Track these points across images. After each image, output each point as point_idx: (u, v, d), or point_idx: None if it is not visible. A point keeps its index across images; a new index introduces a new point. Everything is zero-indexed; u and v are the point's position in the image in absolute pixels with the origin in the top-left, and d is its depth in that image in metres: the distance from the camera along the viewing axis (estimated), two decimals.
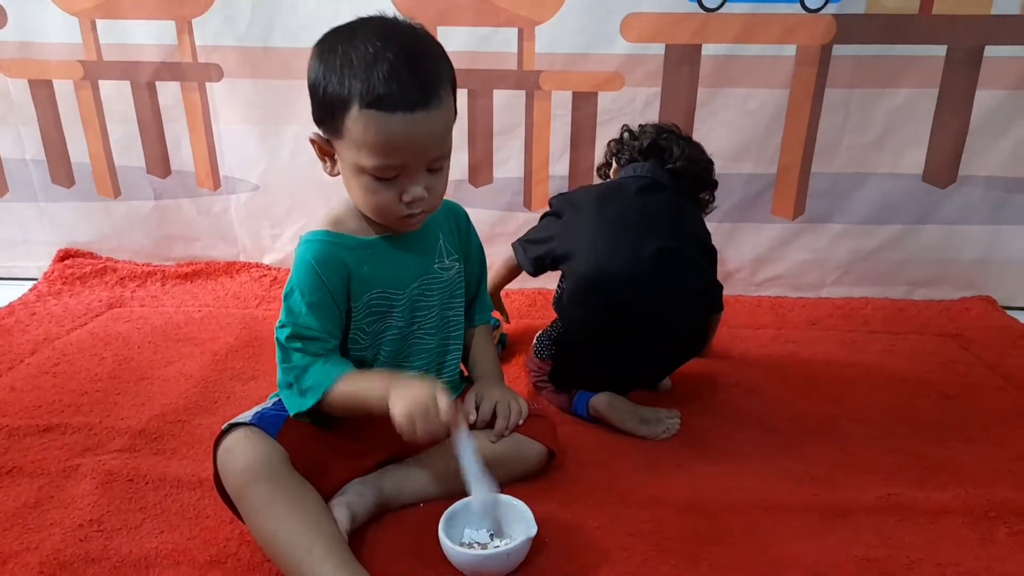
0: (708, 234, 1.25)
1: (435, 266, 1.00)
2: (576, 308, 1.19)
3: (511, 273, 1.40)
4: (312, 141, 0.90)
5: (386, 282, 0.96)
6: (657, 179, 1.24)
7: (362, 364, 0.97)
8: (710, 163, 1.31)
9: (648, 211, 1.19)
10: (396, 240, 0.96)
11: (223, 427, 0.91)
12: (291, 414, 0.92)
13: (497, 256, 1.35)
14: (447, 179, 0.92)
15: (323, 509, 0.86)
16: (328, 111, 0.84)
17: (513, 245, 1.31)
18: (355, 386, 0.90)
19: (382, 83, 0.79)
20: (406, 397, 0.84)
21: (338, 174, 0.91)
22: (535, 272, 1.27)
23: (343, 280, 0.93)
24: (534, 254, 1.25)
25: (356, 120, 0.82)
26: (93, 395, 1.29)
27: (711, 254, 1.24)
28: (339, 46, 0.83)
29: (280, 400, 0.96)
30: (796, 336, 1.60)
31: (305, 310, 0.91)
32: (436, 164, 0.88)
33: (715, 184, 1.32)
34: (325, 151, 0.90)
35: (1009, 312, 1.73)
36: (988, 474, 1.08)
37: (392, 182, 0.86)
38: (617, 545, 0.92)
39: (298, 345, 0.92)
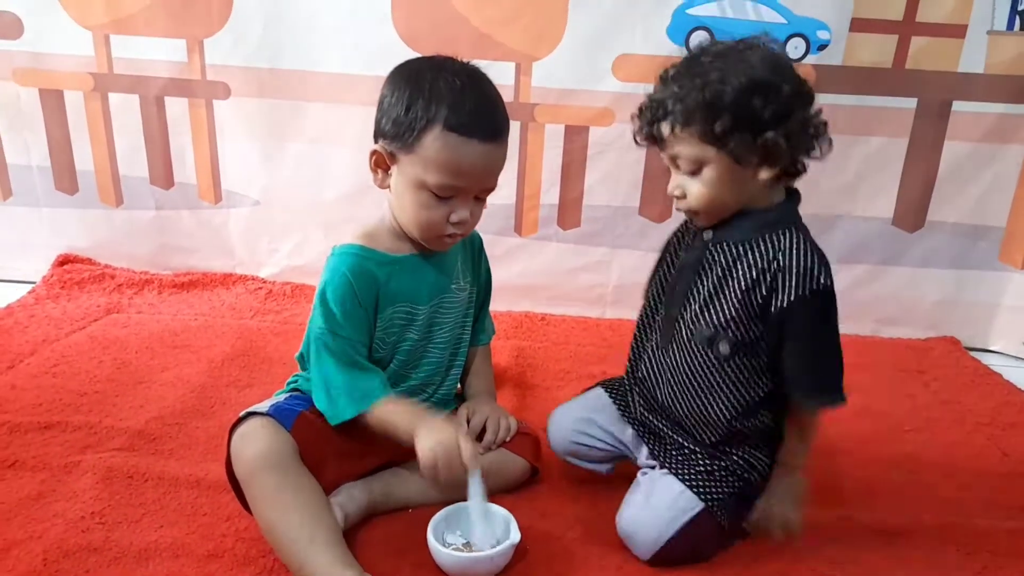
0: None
1: (452, 286, 1.07)
2: None
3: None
4: (373, 152, 0.98)
5: (410, 297, 1.03)
6: None
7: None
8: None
9: None
10: (422, 259, 1.04)
11: (240, 414, 0.96)
12: (311, 408, 0.99)
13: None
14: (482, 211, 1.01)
15: (325, 503, 0.92)
16: (407, 127, 0.92)
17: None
18: (387, 414, 0.97)
19: (467, 113, 0.90)
20: (433, 438, 0.90)
21: (387, 187, 0.99)
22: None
23: (373, 293, 0.99)
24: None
25: (436, 139, 0.90)
26: (92, 396, 1.33)
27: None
28: (428, 74, 0.93)
29: (293, 395, 1.02)
30: None
31: (338, 318, 0.97)
32: (484, 194, 0.98)
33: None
34: (382, 163, 0.98)
35: (972, 353, 1.80)
36: (938, 501, 1.16)
37: (445, 202, 0.94)
38: (593, 554, 0.98)
39: (334, 351, 0.97)
